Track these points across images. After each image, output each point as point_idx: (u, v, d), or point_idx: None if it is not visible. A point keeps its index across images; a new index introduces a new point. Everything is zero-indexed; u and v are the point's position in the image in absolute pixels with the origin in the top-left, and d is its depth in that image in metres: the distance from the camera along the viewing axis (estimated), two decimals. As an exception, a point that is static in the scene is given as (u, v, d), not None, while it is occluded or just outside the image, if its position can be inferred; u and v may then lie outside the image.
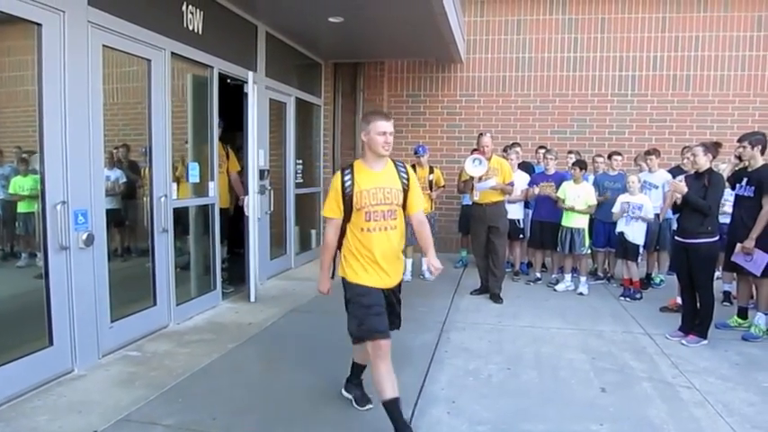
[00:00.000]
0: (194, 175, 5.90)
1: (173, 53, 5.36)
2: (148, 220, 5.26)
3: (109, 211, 4.71)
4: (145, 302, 5.23)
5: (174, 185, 5.50)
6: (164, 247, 5.34)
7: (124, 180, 5.21)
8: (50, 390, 3.94)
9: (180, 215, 5.76)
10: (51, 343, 4.09)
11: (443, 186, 8.19)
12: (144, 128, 5.17)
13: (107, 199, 4.71)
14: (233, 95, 6.94)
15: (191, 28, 5.66)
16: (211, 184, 6.16)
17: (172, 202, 5.42)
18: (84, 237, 4.24)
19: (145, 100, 5.14)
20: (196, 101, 6.09)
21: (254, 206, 6.46)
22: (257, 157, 6.60)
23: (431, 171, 7.88)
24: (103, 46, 4.51)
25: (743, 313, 5.71)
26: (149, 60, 5.10)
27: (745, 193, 5.41)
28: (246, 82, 6.43)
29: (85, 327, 4.34)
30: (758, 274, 5.36)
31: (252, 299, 6.51)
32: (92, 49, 4.34)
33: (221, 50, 6.18)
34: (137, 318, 5.06)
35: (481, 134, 6.92)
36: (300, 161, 8.92)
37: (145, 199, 5.30)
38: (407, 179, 3.60)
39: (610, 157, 7.69)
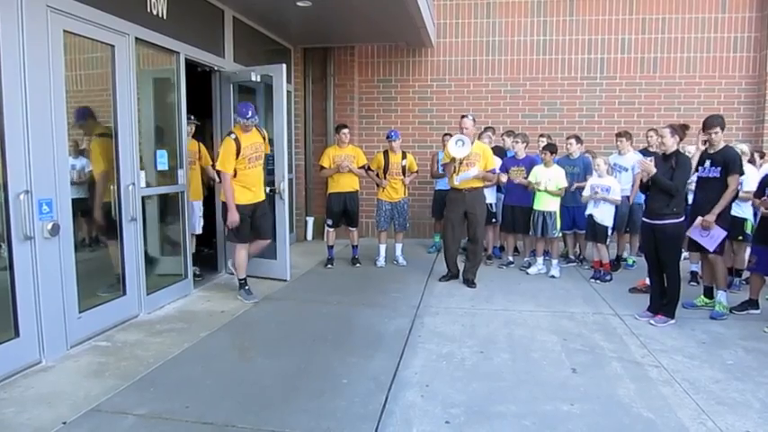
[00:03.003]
0: (162, 162, 5.82)
1: (137, 38, 5.24)
2: (116, 208, 5.17)
3: (75, 201, 4.61)
4: (114, 292, 5.16)
5: (142, 173, 5.41)
6: (132, 236, 5.25)
7: (90, 168, 5.10)
8: (17, 382, 3.87)
9: (149, 203, 5.69)
10: (17, 334, 4.01)
11: (416, 172, 8.18)
12: (109, 115, 5.06)
13: (73, 188, 4.61)
14: (199, 82, 6.87)
15: (155, 12, 5.54)
16: (180, 172, 6.08)
17: (140, 191, 5.33)
18: (50, 226, 4.15)
19: (109, 87, 5.02)
20: (162, 87, 5.99)
21: (287, 189, 6.79)
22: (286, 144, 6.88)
23: (404, 156, 7.86)
24: (64, 31, 4.38)
25: (709, 293, 5.82)
26: (113, 46, 4.97)
27: (711, 175, 5.47)
28: (214, 68, 6.33)
29: (53, 317, 4.26)
30: (711, 250, 5.47)
31: (288, 277, 6.85)
32: (52, 35, 4.22)
33: (187, 36, 6.07)
34: (106, 308, 4.99)
35: (464, 116, 6.79)
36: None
37: (112, 187, 5.21)
38: None
39: (566, 140, 7.69)
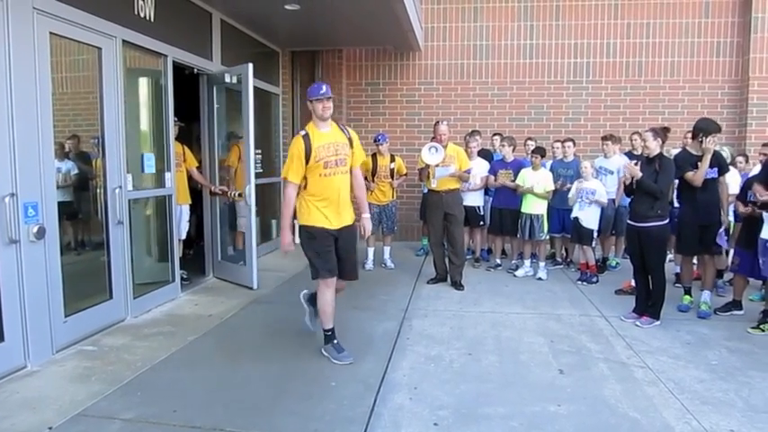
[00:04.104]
0: (150, 166, 5.79)
1: (124, 41, 5.22)
2: (103, 212, 5.14)
3: (61, 204, 4.58)
4: (100, 296, 5.12)
5: (129, 176, 5.38)
6: (119, 239, 5.22)
7: (76, 172, 5.07)
8: (1, 387, 3.83)
9: (136, 207, 5.65)
10: (2, 339, 3.98)
11: (405, 174, 8.20)
12: (96, 118, 5.03)
13: (59, 191, 4.58)
14: (187, 86, 6.85)
15: (142, 15, 5.52)
16: (168, 175, 6.05)
17: (127, 194, 5.30)
18: (35, 230, 4.12)
19: (96, 89, 5.00)
20: (150, 90, 5.96)
21: (254, 194, 6.57)
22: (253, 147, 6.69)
23: (392, 159, 7.88)
24: (51, 33, 4.36)
25: (689, 293, 5.92)
26: (100, 48, 4.95)
27: (709, 176, 5.54)
28: (201, 71, 6.31)
29: (38, 321, 4.23)
30: (727, 248, 5.75)
31: (255, 286, 6.60)
32: (38, 37, 4.19)
33: (175, 39, 6.05)
34: (92, 312, 4.95)
35: (438, 122, 6.92)
36: (259, 151, 8.81)
37: (99, 191, 5.18)
38: None
39: (563, 143, 7.78)
